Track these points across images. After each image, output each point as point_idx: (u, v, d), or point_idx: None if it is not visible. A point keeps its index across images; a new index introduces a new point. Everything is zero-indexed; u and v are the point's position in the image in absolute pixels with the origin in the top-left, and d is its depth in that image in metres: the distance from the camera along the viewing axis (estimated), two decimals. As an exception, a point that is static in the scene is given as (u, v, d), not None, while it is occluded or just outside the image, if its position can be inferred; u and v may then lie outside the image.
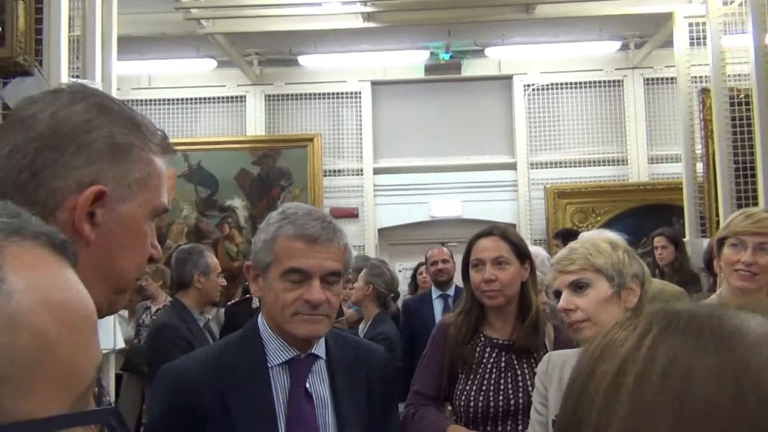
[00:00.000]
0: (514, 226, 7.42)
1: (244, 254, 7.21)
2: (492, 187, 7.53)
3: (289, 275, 1.40)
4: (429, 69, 7.61)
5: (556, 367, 1.72)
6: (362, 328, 3.72)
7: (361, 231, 7.52)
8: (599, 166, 7.44)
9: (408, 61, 7.54)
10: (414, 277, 5.99)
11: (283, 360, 1.45)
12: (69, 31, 3.65)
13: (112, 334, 3.68)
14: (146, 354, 3.70)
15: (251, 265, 1.48)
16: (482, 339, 2.08)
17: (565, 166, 7.47)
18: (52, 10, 3.15)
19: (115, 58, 4.06)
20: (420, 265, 5.97)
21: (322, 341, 1.50)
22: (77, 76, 3.65)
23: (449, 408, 2.11)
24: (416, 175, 7.56)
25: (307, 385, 1.45)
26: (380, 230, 7.61)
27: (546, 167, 7.50)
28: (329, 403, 1.45)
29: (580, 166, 7.45)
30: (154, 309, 5.22)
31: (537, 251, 3.43)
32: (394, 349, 3.53)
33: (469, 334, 2.07)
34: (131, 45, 6.43)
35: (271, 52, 7.51)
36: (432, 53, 7.48)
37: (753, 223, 2.04)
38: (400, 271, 7.70)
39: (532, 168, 7.51)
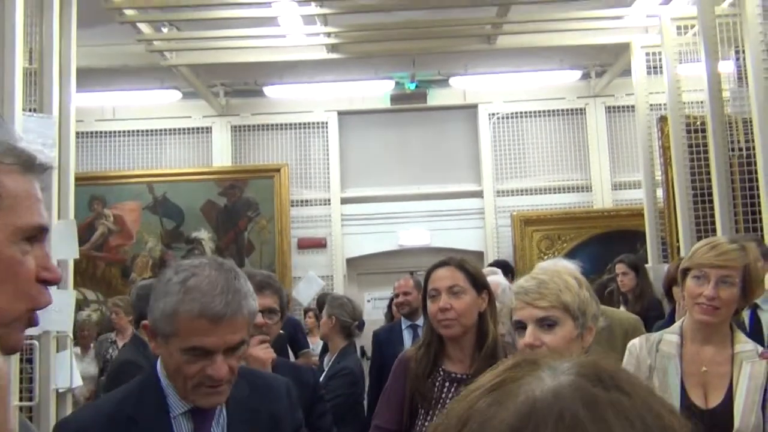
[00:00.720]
0: (481, 253, 7.47)
1: (211, 286, 7.11)
2: (459, 215, 7.57)
3: (191, 351, 1.34)
4: (395, 99, 7.66)
5: None
6: (327, 360, 3.68)
7: (329, 261, 7.49)
8: (564, 192, 7.53)
9: (374, 91, 7.60)
10: (390, 307, 5.94)
11: (186, 409, 1.40)
12: (28, 64, 3.62)
13: (69, 372, 3.59)
14: (107, 390, 3.61)
15: (149, 326, 1.40)
16: (441, 373, 2.06)
17: (531, 194, 7.54)
18: (6, 44, 3.13)
19: (73, 91, 4.03)
20: (396, 295, 5.95)
21: None
22: (34, 109, 3.61)
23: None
24: (384, 204, 7.57)
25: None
26: (348, 260, 7.58)
27: (512, 195, 7.57)
28: None
29: (545, 193, 7.53)
30: (120, 344, 5.10)
31: (497, 280, 3.44)
32: (357, 383, 3.49)
33: (429, 367, 2.05)
34: (94, 77, 6.39)
35: (236, 83, 7.52)
36: (397, 83, 7.55)
37: (717, 256, 1.98)
38: (369, 300, 7.67)
39: (499, 195, 7.57)
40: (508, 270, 6.14)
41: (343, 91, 7.55)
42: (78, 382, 3.74)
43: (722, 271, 1.96)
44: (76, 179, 7.17)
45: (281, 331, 4.17)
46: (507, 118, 7.67)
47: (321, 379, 3.56)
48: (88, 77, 6.45)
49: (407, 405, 2.04)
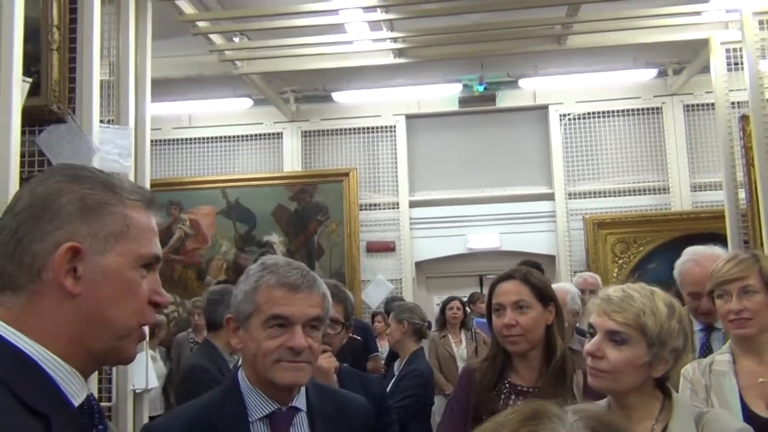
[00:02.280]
0: (553, 257, 7.32)
1: (282, 289, 7.25)
2: (530, 218, 7.44)
3: (271, 322, 1.41)
4: (463, 101, 7.61)
5: None
6: (398, 365, 3.70)
7: (398, 264, 7.50)
8: (640, 195, 7.29)
9: (442, 93, 7.56)
10: (443, 311, 5.91)
11: (264, 414, 1.43)
12: (106, 77, 3.78)
13: (145, 373, 3.72)
14: (178, 394, 3.72)
15: (231, 318, 1.49)
16: (507, 386, 2.02)
17: (605, 196, 7.34)
18: (84, 59, 3.26)
19: (149, 101, 4.15)
20: (449, 299, 5.92)
21: (303, 393, 1.48)
22: (111, 121, 3.76)
23: (471, 456, 2.05)
24: (453, 208, 7.53)
25: None
26: (417, 263, 7.57)
27: (584, 197, 7.38)
28: None
29: (619, 196, 7.31)
30: (201, 342, 5.25)
31: (566, 287, 3.36)
32: (427, 386, 3.50)
33: (494, 380, 2.01)
34: (171, 87, 6.63)
35: (306, 89, 7.63)
36: (465, 86, 7.49)
37: (730, 269, 2.02)
38: (437, 304, 7.64)
39: (570, 198, 7.40)
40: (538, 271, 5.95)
41: (411, 95, 7.55)
42: (154, 383, 3.87)
43: (740, 282, 1.99)
44: (155, 185, 7.47)
45: (357, 337, 4.21)
46: (579, 118, 7.49)
47: (392, 382, 3.58)
48: (165, 87, 6.70)
49: (471, 417, 2.01)
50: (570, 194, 7.41)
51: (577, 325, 3.40)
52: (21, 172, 3.13)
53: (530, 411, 0.56)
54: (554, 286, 3.48)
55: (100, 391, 3.30)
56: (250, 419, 1.42)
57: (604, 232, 7.13)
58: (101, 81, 3.61)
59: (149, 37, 4.09)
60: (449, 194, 7.56)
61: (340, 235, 7.47)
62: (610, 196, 7.34)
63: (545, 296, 2.04)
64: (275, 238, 7.58)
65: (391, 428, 2.17)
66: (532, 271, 2.12)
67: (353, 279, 7.24)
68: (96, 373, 3.20)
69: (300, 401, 1.47)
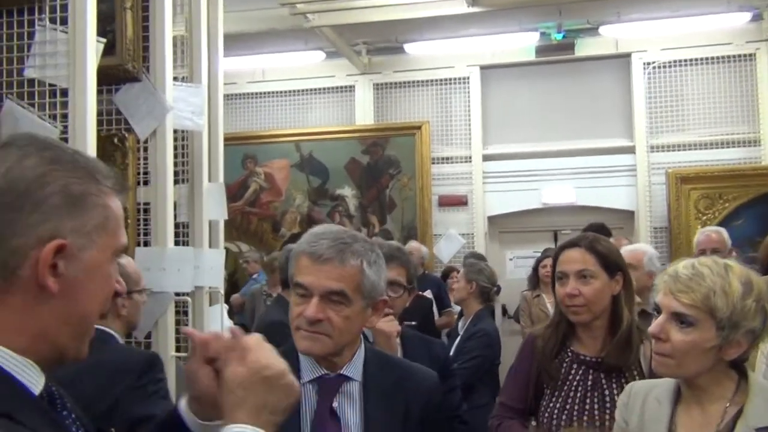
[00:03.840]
0: (632, 213, 7.08)
1: (354, 242, 7.33)
2: (608, 172, 7.18)
3: (296, 289, 1.44)
4: (540, 50, 7.34)
5: (637, 399, 1.56)
6: (462, 324, 3.68)
7: (470, 219, 7.42)
8: (727, 147, 6.89)
9: (518, 43, 7.31)
10: (536, 269, 5.56)
11: (313, 377, 1.44)
12: (182, 32, 3.81)
13: (220, 325, 3.85)
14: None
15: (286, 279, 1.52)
16: (569, 354, 1.97)
17: (689, 149, 6.98)
18: (157, 18, 3.29)
19: (221, 57, 4.16)
20: (544, 256, 5.55)
21: (360, 363, 1.48)
22: (184, 78, 3.81)
23: (533, 423, 2.03)
24: (527, 161, 7.35)
25: (335, 405, 1.43)
26: (490, 218, 7.48)
27: (668, 150, 7.05)
28: (358, 427, 1.42)
29: (705, 149, 6.94)
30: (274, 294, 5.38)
31: (643, 249, 3.23)
32: (493, 345, 3.48)
33: (557, 348, 1.97)
34: (244, 41, 6.67)
35: (378, 41, 7.52)
36: (543, 34, 7.21)
37: None
38: (510, 259, 7.55)
39: (653, 151, 7.08)
40: (606, 233, 5.61)
41: (485, 45, 7.33)
42: (228, 334, 3.99)
43: None
44: (231, 139, 7.61)
45: (426, 295, 4.22)
46: (664, 67, 7.10)
47: (457, 341, 3.58)
48: (239, 42, 6.74)
49: (533, 384, 1.98)
50: (652, 147, 7.09)
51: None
52: (99, 131, 3.24)
53: None
54: (630, 247, 3.37)
55: (178, 341, 3.44)
56: (301, 380, 1.43)
57: (688, 187, 6.82)
58: (175, 37, 3.66)
59: (221, -8, 4.09)
60: (523, 147, 7.37)
61: (412, 189, 7.44)
62: (695, 148, 6.98)
63: (612, 265, 1.96)
64: (348, 192, 7.63)
65: (454, 393, 2.17)
66: (600, 238, 2.03)
67: (425, 233, 7.23)
68: (173, 324, 3.33)
69: (352, 370, 1.47)
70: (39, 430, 0.79)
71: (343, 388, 1.45)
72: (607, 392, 1.87)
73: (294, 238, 7.36)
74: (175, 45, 3.74)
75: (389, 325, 2.01)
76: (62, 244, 0.84)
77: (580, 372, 1.92)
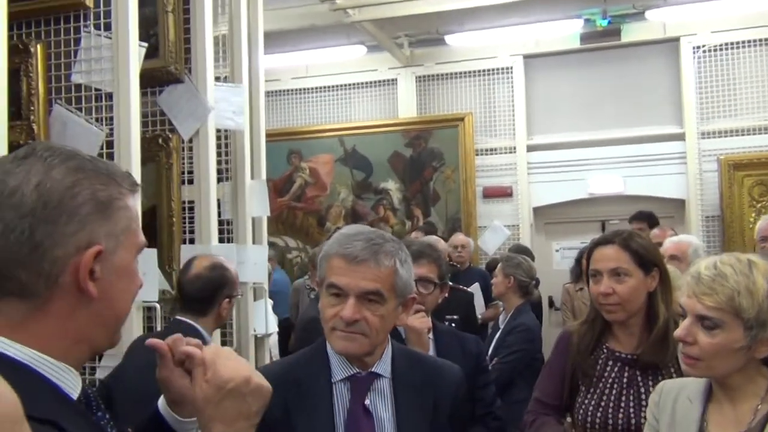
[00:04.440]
0: (683, 201, 6.90)
1: (399, 236, 7.35)
2: (657, 160, 7.02)
3: (330, 290, 1.44)
4: (585, 38, 7.20)
5: (669, 397, 1.54)
6: (503, 319, 3.66)
7: (515, 210, 7.35)
8: (783, 133, 6.66)
9: (561, 31, 7.18)
10: (579, 261, 5.47)
11: (345, 376, 1.46)
12: (223, 30, 3.88)
13: (264, 318, 3.92)
14: (296, 342, 3.89)
15: (317, 281, 1.53)
16: (605, 351, 1.94)
17: (742, 134, 6.76)
18: (197, 20, 3.37)
19: (262, 56, 4.23)
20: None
21: (388, 360, 1.49)
22: (226, 77, 3.88)
23: (568, 420, 2.01)
24: (573, 151, 7.23)
25: (367, 403, 1.44)
26: (535, 209, 7.39)
27: (719, 136, 6.84)
28: (391, 423, 1.43)
29: (759, 134, 6.70)
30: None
31: (688, 240, 3.16)
32: (533, 340, 3.45)
33: (592, 344, 1.94)
34: (287, 38, 6.75)
35: (419, 33, 7.50)
36: (587, 20, 7.06)
37: None
38: (557, 250, 7.47)
39: (703, 138, 6.88)
40: (654, 222, 5.50)
41: (528, 34, 7.23)
42: (273, 328, 4.07)
43: None
44: (276, 135, 7.73)
45: (466, 289, 4.21)
46: (715, 50, 6.89)
47: (497, 335, 3.56)
48: (282, 39, 6.83)
49: (568, 380, 1.96)
50: (703, 133, 6.89)
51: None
52: (144, 132, 3.34)
53: None
54: (675, 238, 3.30)
55: (223, 335, 3.52)
56: (332, 380, 1.46)
57: (741, 174, 6.61)
58: (217, 37, 3.74)
59: (260, -9, 4.14)
60: (569, 137, 7.26)
61: (456, 181, 7.41)
62: (748, 134, 6.75)
63: (647, 262, 1.91)
64: (391, 185, 7.65)
65: (487, 388, 2.17)
66: (635, 234, 1.98)
67: (469, 225, 7.20)
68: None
69: (382, 367, 1.49)
70: None
71: (374, 386, 1.47)
72: (642, 390, 1.84)
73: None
74: (216, 44, 3.83)
75: (420, 321, 2.02)
76: (100, 249, 0.88)
77: (616, 369, 1.89)
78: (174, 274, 3.26)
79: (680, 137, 6.95)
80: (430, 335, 2.12)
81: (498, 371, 3.26)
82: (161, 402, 1.10)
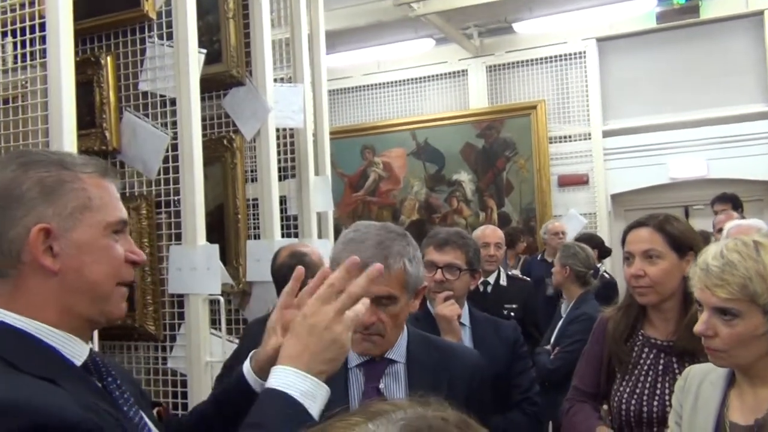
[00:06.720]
0: (771, 183, 6.56)
1: (473, 227, 7.33)
2: (743, 140, 6.68)
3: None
4: (661, 16, 6.94)
5: (693, 382, 1.51)
6: (564, 308, 3.62)
7: (592, 198, 7.19)
8: None
9: (636, 10, 6.95)
10: None
11: (360, 362, 1.50)
12: (286, 34, 4.01)
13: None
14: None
15: None
16: (641, 338, 1.90)
17: (837, 110, 6.36)
18: (256, 25, 3.50)
19: (323, 55, 4.33)
20: None
21: (404, 345, 1.52)
22: (289, 78, 4.01)
23: (605, 407, 1.98)
24: (651, 135, 6.99)
25: (381, 386, 1.48)
26: (613, 196, 7.20)
27: (812, 113, 6.45)
28: None
29: None
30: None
31: (757, 225, 3.01)
32: (596, 330, 3.39)
33: (627, 331, 1.90)
34: (356, 36, 6.87)
35: (487, 23, 7.44)
36: (663, -1, 6.82)
37: None
38: (637, 238, 7.24)
39: (794, 115, 6.51)
40: (738, 205, 5.23)
41: (600, 16, 7.04)
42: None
43: None
44: (350, 131, 7.87)
45: (525, 278, 4.17)
46: (804, 21, 6.49)
47: (559, 324, 3.52)
48: (351, 36, 6.95)
49: (605, 368, 1.94)
50: (793, 111, 6.52)
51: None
52: (210, 134, 3.51)
53: (363, 410, 0.58)
54: (738, 221, 3.16)
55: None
56: (348, 366, 1.51)
57: (837, 152, 6.22)
58: (279, 40, 3.87)
59: (321, -7, 4.24)
60: (647, 120, 7.02)
61: (530, 170, 7.32)
62: None
63: (682, 245, 1.86)
64: (464, 177, 7.64)
65: (525, 374, 2.16)
66: (671, 217, 1.92)
67: (544, 214, 7.10)
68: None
69: (397, 353, 1.52)
70: (81, 395, 0.92)
71: (389, 370, 1.51)
72: (679, 377, 1.80)
73: (413, 225, 7.48)
74: (279, 47, 3.96)
75: (450, 309, 2.04)
76: (44, 227, 0.98)
77: (651, 356, 1.85)
78: (241, 269, 3.42)
79: (767, 116, 6.60)
80: (465, 322, 2.14)
81: (561, 360, 3.23)
82: (246, 367, 1.18)
